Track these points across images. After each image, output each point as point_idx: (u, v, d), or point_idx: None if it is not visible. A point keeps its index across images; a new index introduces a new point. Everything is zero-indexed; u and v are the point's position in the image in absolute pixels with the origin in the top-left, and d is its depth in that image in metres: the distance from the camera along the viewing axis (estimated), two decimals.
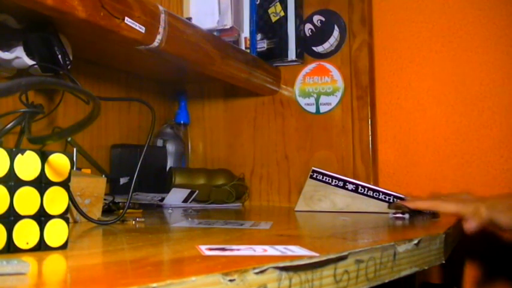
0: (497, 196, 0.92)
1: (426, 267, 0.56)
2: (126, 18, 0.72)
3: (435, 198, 0.89)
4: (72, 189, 0.62)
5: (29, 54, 0.77)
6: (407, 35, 1.22)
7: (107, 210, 0.84)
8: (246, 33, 1.24)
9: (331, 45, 1.23)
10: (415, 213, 0.86)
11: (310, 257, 0.39)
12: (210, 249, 0.44)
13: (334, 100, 1.22)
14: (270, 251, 0.42)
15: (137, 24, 0.75)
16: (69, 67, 0.80)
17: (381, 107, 1.23)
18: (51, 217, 0.45)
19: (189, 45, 0.90)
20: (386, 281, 0.49)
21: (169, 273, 0.36)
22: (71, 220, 0.67)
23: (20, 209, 0.43)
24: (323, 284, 0.40)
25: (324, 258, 0.41)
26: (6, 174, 0.42)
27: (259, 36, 1.24)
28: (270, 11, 1.23)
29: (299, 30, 1.23)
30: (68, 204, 0.46)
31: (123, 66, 1.13)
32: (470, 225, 0.80)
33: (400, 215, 0.86)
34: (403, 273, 0.52)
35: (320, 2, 1.25)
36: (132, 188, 0.72)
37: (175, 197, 1.04)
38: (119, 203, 0.87)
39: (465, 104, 1.16)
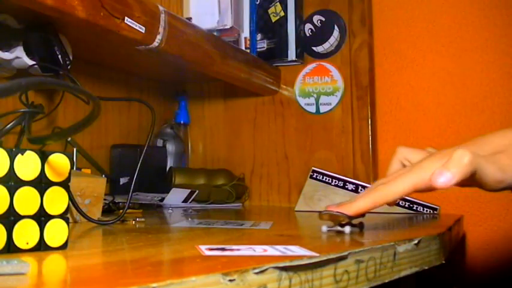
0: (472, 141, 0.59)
1: (426, 267, 0.56)
2: (126, 18, 0.72)
3: (373, 188, 0.58)
4: (72, 189, 0.62)
5: (29, 54, 0.77)
6: (407, 35, 1.22)
7: (107, 210, 0.84)
8: (246, 33, 1.24)
9: (331, 45, 1.23)
10: (356, 222, 0.61)
11: (310, 257, 0.39)
12: (210, 249, 0.44)
13: (334, 100, 1.22)
14: (270, 251, 0.43)
15: (137, 24, 0.75)
16: (69, 67, 0.80)
17: (381, 107, 1.23)
18: (51, 217, 0.45)
19: (189, 45, 0.90)
20: (387, 281, 0.49)
21: (169, 273, 0.36)
22: (71, 220, 0.67)
23: (20, 209, 0.43)
24: (323, 284, 0.40)
25: (324, 258, 0.41)
26: (6, 174, 0.42)
27: (259, 36, 1.24)
28: (270, 11, 1.23)
29: (299, 30, 1.23)
30: (68, 204, 0.46)
31: (123, 66, 1.13)
32: (445, 177, 0.50)
33: (338, 228, 0.59)
34: (403, 273, 0.52)
35: (320, 2, 1.25)
36: (132, 188, 0.72)
37: (175, 197, 1.04)
38: (119, 203, 0.87)
39: (465, 104, 1.16)
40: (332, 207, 0.58)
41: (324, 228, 0.60)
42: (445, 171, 0.50)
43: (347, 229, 0.59)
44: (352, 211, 0.57)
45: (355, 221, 0.60)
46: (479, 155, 0.52)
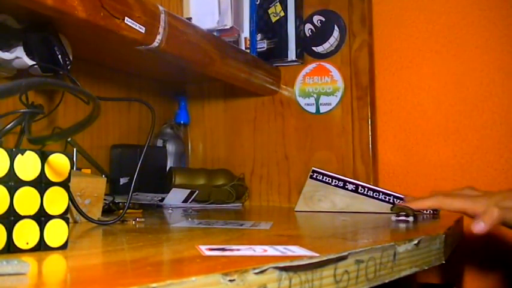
0: (504, 191, 0.82)
1: (426, 267, 0.56)
2: (126, 18, 0.72)
3: (437, 196, 0.84)
4: (72, 189, 0.62)
5: (29, 54, 0.77)
6: (407, 35, 1.22)
7: (107, 210, 0.84)
8: (246, 33, 1.24)
9: (331, 45, 1.23)
10: (417, 214, 0.84)
11: (310, 257, 0.39)
12: (210, 249, 0.44)
13: (334, 100, 1.22)
14: (270, 251, 0.43)
15: (137, 24, 0.75)
16: (69, 67, 0.80)
17: (381, 107, 1.23)
18: (51, 217, 0.45)
19: (189, 46, 0.90)
20: (387, 281, 0.49)
21: (169, 273, 0.36)
22: (71, 220, 0.67)
23: (20, 209, 0.43)
24: (323, 284, 0.40)
25: (324, 258, 0.41)
26: (6, 174, 0.42)
27: (259, 36, 1.24)
28: (270, 11, 1.23)
29: (299, 30, 1.23)
30: (68, 204, 0.46)
31: (123, 66, 1.13)
32: (480, 227, 0.73)
33: (403, 218, 0.82)
34: (403, 273, 0.52)
35: (320, 2, 1.25)
36: (132, 188, 0.72)
37: (175, 197, 1.04)
38: (119, 203, 0.87)
39: (465, 104, 1.16)
40: (401, 203, 0.88)
41: (393, 218, 0.82)
42: (480, 222, 0.73)
43: (411, 219, 0.81)
44: (416, 206, 0.83)
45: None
46: (507, 207, 0.74)
